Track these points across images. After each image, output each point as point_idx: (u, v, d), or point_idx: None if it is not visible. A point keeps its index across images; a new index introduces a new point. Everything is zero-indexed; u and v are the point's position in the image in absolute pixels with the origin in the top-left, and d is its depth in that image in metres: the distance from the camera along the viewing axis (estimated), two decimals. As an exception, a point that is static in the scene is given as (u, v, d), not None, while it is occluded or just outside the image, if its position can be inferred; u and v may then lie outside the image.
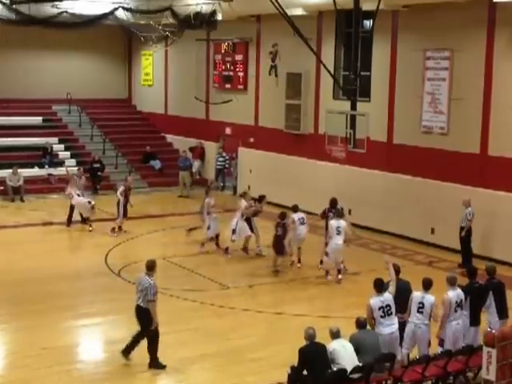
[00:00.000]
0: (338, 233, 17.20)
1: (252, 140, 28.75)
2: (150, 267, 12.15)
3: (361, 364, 10.29)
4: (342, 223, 17.36)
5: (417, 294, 11.65)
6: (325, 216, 18.39)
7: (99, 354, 13.43)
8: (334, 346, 10.37)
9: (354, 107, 20.63)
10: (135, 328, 12.32)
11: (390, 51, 22.67)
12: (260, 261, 19.33)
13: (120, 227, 22.17)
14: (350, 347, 10.40)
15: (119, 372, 12.07)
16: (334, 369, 10.13)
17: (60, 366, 12.21)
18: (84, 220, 23.40)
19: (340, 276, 17.51)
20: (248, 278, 17.98)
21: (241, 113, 29.11)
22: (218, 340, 13.59)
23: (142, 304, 12.04)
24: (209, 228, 19.94)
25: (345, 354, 10.25)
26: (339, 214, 17.69)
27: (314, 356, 10.16)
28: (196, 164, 31.17)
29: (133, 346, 12.32)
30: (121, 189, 22.70)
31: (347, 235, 17.52)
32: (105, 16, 33.51)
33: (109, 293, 16.45)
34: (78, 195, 23.32)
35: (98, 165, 30.19)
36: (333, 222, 17.38)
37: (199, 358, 12.67)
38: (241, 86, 29.22)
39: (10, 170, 28.24)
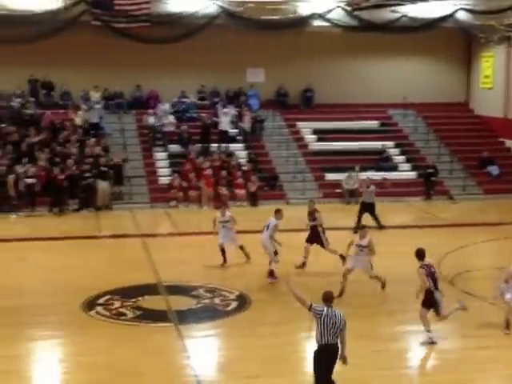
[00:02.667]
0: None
1: None
2: (331, 299, 10.37)
3: None
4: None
5: None
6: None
7: (430, 361, 12.94)
8: None
9: None
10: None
11: None
12: None
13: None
14: None
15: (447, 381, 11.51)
16: None
17: (391, 370, 11.99)
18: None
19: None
20: None
21: None
22: None
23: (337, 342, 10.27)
24: None
25: None
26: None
27: None
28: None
29: None
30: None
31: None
32: (444, 18, 32.94)
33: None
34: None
35: (432, 170, 29.69)
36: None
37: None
38: None
39: (347, 174, 28.89)
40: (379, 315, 14.87)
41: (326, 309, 10.13)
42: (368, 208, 23.38)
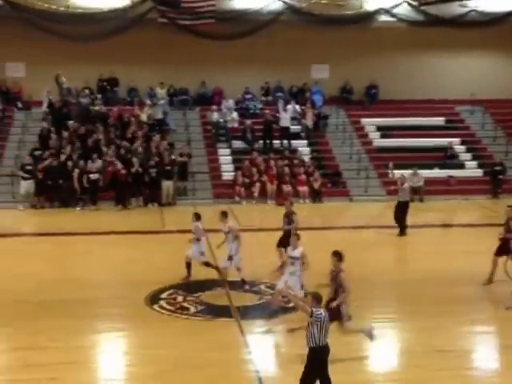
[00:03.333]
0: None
1: None
2: (321, 299, 10.25)
3: None
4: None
5: None
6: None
7: (494, 362, 12.69)
8: None
9: None
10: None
11: None
12: None
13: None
14: None
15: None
16: None
17: (453, 371, 11.80)
18: None
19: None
20: None
21: None
22: None
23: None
24: None
25: None
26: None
27: None
28: None
29: None
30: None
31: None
32: (514, 13, 32.34)
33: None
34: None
35: (499, 167, 29.15)
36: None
37: None
38: None
39: (411, 171, 28.55)
40: (444, 315, 14.65)
41: (322, 311, 9.96)
42: (400, 207, 22.02)
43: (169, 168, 27.82)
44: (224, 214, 16.57)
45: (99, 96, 31.78)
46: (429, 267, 18.25)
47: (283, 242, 17.26)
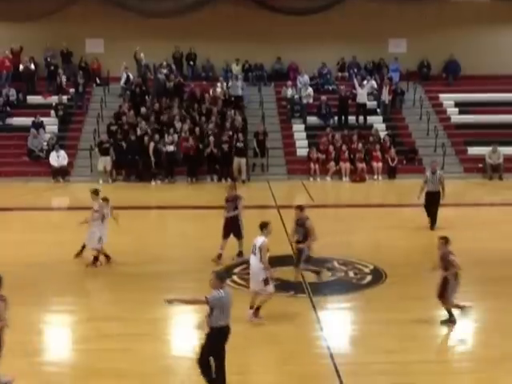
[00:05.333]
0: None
1: None
2: (224, 278, 10.03)
3: None
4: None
5: None
6: None
7: None
8: None
9: None
10: None
11: None
12: None
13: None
14: None
15: None
16: None
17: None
18: None
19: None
20: None
21: None
22: None
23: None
24: None
25: None
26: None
27: None
28: None
29: None
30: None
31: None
32: None
33: None
34: None
35: None
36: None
37: None
38: None
39: (490, 148, 27.93)
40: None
41: (222, 291, 9.60)
42: (431, 198, 19.23)
43: (241, 145, 27.80)
44: (95, 191, 16.28)
45: (175, 71, 31.97)
46: (506, 247, 17.82)
47: (227, 232, 16.46)
